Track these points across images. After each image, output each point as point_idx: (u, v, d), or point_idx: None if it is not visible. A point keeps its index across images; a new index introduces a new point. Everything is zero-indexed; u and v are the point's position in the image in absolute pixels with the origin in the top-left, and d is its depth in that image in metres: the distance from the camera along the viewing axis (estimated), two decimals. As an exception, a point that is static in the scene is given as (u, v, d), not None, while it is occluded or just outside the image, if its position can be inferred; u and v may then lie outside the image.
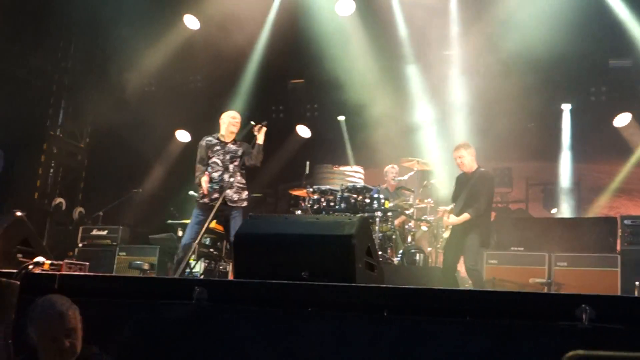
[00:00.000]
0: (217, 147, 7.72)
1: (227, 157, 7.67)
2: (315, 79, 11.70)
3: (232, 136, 7.79)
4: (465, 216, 7.66)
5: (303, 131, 12.23)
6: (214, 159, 7.67)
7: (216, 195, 7.45)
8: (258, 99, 11.87)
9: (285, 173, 12.18)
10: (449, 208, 7.87)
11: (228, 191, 7.46)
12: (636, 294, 7.84)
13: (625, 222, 8.42)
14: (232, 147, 7.74)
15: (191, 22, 11.31)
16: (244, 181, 7.73)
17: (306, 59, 11.21)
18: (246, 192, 7.73)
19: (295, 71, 12.00)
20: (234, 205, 7.56)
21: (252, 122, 7.83)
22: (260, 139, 7.61)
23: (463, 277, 8.10)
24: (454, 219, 7.75)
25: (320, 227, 4.30)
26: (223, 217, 7.66)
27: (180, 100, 12.16)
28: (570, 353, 1.26)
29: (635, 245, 8.24)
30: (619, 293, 7.83)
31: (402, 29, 10.88)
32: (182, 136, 12.55)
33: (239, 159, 7.66)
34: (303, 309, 3.86)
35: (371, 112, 11.17)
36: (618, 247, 8.43)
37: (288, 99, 12.42)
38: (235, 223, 7.45)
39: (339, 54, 10.87)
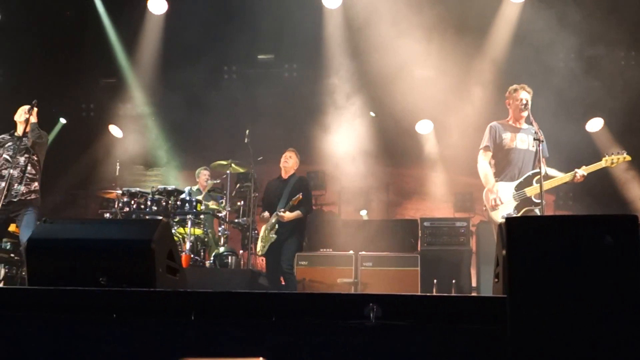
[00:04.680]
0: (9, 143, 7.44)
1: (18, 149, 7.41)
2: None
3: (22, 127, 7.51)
4: (298, 213, 8.22)
5: (115, 131, 11.82)
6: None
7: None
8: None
9: (96, 174, 11.73)
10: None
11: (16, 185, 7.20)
12: (434, 291, 8.40)
13: (425, 223, 8.96)
14: (24, 139, 7.45)
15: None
16: (34, 171, 7.44)
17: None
18: (36, 184, 7.43)
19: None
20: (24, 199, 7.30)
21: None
22: (32, 118, 7.39)
23: None
24: (289, 214, 8.17)
25: (118, 231, 4.19)
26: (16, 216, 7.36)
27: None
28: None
29: (433, 245, 8.80)
30: (419, 291, 8.32)
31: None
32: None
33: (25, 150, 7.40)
34: (105, 316, 3.76)
35: (185, 114, 11.07)
36: (419, 248, 8.95)
37: (100, 97, 11.97)
38: (27, 220, 7.20)
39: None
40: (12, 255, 8.77)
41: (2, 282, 8.51)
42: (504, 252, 3.00)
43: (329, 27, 10.58)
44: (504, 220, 3.07)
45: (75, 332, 3.73)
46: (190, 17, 10.35)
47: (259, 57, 11.64)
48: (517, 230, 2.81)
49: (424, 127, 11.32)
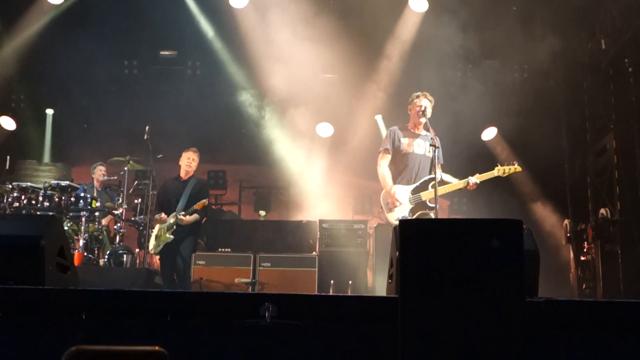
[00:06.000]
0: None
1: None
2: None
3: None
4: (196, 217, 8.27)
5: (7, 123, 11.33)
6: None
7: None
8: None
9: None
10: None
11: None
12: (331, 292, 8.49)
13: (323, 225, 9.04)
14: None
15: None
16: None
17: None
18: None
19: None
20: None
21: None
22: None
23: None
24: (188, 218, 8.18)
25: (5, 226, 4.02)
26: None
27: None
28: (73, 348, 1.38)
29: (331, 246, 8.88)
30: (316, 292, 8.40)
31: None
32: None
33: None
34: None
35: (83, 108, 10.77)
36: (317, 249, 9.02)
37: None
38: None
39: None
40: None
41: None
42: (397, 253, 3.09)
43: (234, 26, 10.51)
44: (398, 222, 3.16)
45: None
46: (89, 9, 10.05)
47: (161, 53, 11.43)
48: (409, 232, 2.90)
49: (325, 130, 11.43)
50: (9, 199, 8.02)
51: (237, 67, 11.11)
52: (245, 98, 11.09)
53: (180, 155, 8.70)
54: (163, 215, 8.29)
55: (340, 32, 9.82)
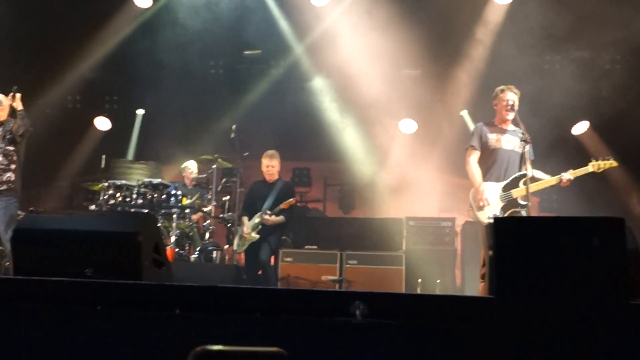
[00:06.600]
0: None
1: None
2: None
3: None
4: (282, 218, 8.45)
5: (102, 124, 11.77)
6: None
7: None
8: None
9: (83, 166, 11.70)
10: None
11: None
12: (418, 291, 8.41)
13: (410, 223, 8.97)
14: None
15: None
16: (6, 162, 7.33)
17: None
18: (9, 174, 7.32)
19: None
20: None
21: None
22: (18, 105, 7.31)
23: None
24: (274, 218, 8.35)
25: (105, 223, 4.17)
26: None
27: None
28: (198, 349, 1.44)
29: (418, 244, 8.80)
30: (403, 290, 8.33)
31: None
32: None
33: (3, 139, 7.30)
34: (90, 307, 3.75)
35: (172, 108, 11.06)
36: (404, 246, 8.95)
37: (86, 90, 11.88)
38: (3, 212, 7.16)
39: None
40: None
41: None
42: (490, 252, 3.02)
43: (315, 23, 10.55)
44: (490, 220, 3.09)
45: (60, 323, 3.71)
46: (175, 12, 10.31)
47: (245, 52, 11.61)
48: (504, 231, 2.82)
49: (408, 127, 11.34)
50: (105, 197, 8.32)
51: (317, 63, 11.14)
52: (323, 85, 11.08)
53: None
54: (245, 221, 8.45)
55: (422, 25, 9.72)
